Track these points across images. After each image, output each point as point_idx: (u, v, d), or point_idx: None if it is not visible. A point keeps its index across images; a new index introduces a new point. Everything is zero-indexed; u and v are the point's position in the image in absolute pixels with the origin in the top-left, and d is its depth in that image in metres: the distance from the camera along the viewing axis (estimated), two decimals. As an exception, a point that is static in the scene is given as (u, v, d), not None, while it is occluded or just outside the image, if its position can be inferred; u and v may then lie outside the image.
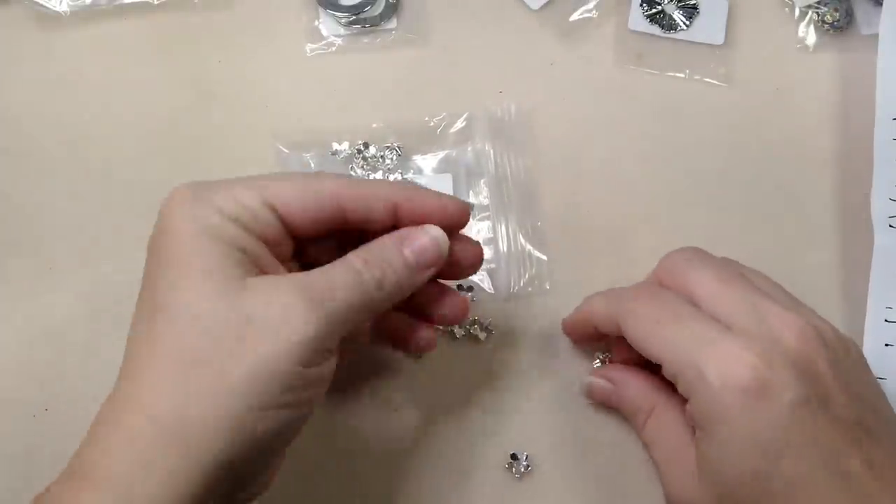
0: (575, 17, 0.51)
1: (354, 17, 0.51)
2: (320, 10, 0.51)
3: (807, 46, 0.51)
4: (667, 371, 0.36)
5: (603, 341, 0.45)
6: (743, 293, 0.37)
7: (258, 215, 0.34)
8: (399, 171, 0.49)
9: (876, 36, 0.47)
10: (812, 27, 0.51)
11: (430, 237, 0.36)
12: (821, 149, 0.50)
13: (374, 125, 0.49)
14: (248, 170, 0.49)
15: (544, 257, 0.48)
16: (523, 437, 0.45)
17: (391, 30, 0.51)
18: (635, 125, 0.50)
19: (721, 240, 0.48)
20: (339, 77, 0.51)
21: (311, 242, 0.37)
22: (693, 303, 0.37)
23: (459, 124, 0.50)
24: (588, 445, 0.45)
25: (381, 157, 0.49)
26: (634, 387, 0.42)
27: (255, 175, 0.36)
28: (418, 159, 0.49)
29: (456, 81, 0.51)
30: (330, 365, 0.34)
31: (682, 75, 0.51)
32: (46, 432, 0.46)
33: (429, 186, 0.48)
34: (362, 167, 0.49)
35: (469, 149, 0.49)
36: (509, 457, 0.45)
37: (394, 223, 0.37)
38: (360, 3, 0.51)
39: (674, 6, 0.51)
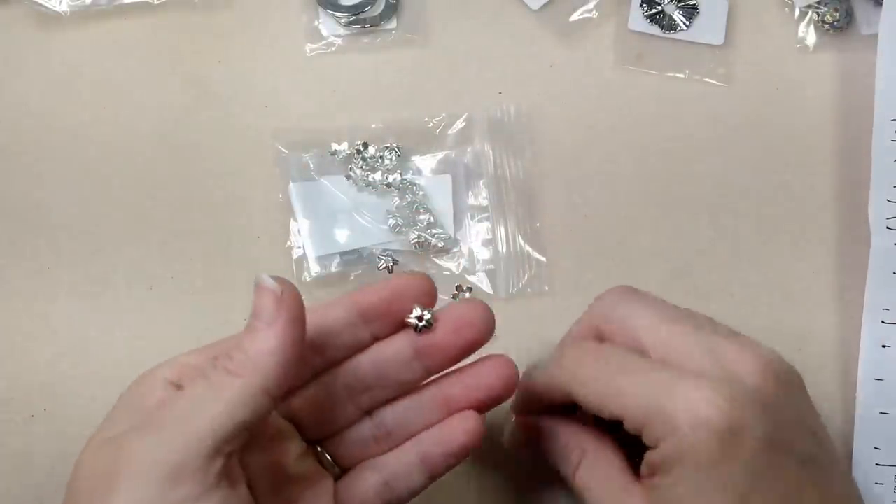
0: (575, 17, 0.51)
1: (354, 17, 0.51)
2: (320, 10, 0.51)
3: (807, 46, 0.51)
4: (630, 425, 0.34)
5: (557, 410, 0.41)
6: (694, 333, 0.35)
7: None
8: (398, 171, 0.49)
9: (876, 36, 0.47)
10: (812, 27, 0.51)
11: (260, 288, 0.34)
12: (820, 149, 0.50)
13: (374, 125, 0.49)
14: (248, 169, 0.49)
15: (543, 259, 0.48)
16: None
17: (391, 30, 0.51)
18: (635, 126, 0.50)
19: (719, 240, 0.48)
20: (338, 77, 0.51)
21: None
22: (640, 349, 0.36)
23: (459, 125, 0.50)
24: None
25: (381, 157, 0.49)
26: (564, 434, 0.39)
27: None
28: (417, 160, 0.50)
29: (456, 82, 0.51)
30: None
31: (681, 75, 0.50)
32: (45, 432, 0.46)
33: (428, 187, 0.49)
34: (361, 167, 0.49)
35: (468, 149, 0.49)
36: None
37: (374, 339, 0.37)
38: (360, 3, 0.51)
39: (674, 6, 0.51)
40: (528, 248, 0.48)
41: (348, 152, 0.49)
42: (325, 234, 0.48)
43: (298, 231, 0.48)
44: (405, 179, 0.49)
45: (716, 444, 0.32)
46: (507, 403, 0.39)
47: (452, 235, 0.49)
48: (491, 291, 0.48)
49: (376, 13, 0.51)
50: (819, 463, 0.34)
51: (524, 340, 0.47)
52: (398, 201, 0.49)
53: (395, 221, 0.48)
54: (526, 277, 0.48)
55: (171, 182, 0.49)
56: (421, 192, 0.49)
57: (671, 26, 0.50)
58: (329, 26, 0.51)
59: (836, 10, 0.50)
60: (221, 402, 0.31)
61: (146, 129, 0.50)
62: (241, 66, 0.51)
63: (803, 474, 0.33)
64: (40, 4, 0.51)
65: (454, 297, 0.48)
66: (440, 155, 0.50)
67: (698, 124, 0.50)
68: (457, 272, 0.48)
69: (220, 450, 0.31)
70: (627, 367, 0.35)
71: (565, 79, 0.51)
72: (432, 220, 0.48)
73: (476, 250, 0.49)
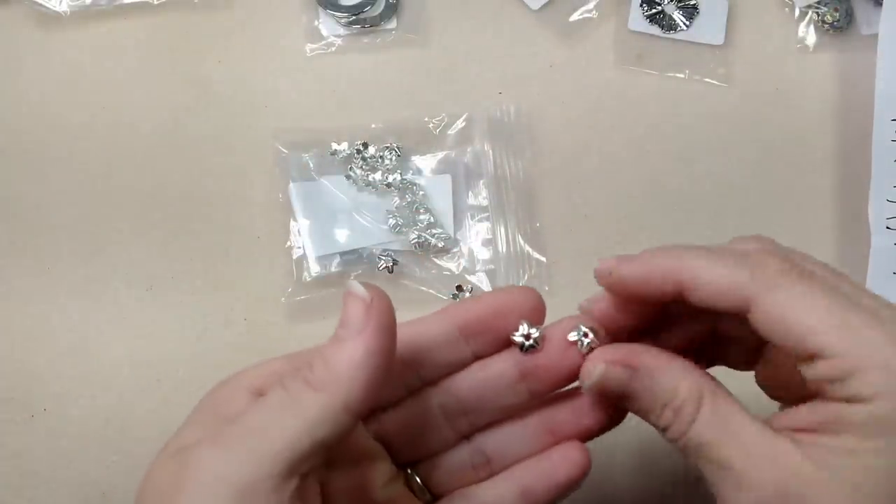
0: (575, 17, 0.51)
1: (354, 17, 0.51)
2: (320, 10, 0.51)
3: (807, 46, 0.51)
4: (827, 369, 0.28)
5: (652, 317, 0.34)
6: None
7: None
8: (398, 171, 0.49)
9: (876, 36, 0.47)
10: (812, 27, 0.51)
11: (348, 295, 0.30)
12: (820, 149, 0.50)
13: (374, 125, 0.49)
14: (248, 169, 0.49)
15: (543, 259, 0.48)
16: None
17: (391, 30, 0.51)
18: (635, 126, 0.50)
19: (719, 240, 0.48)
20: (338, 77, 0.51)
21: None
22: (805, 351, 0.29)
23: (459, 125, 0.50)
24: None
25: (381, 157, 0.49)
26: (677, 372, 0.31)
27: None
28: (417, 160, 0.50)
29: (455, 82, 0.51)
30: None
31: (681, 75, 0.50)
32: (45, 432, 0.46)
33: (428, 187, 0.49)
34: (361, 167, 0.49)
35: (468, 149, 0.49)
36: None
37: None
38: (360, 2, 0.51)
39: (674, 6, 0.51)
40: (527, 248, 0.48)
41: (348, 152, 0.49)
42: (325, 234, 0.48)
43: (298, 231, 0.48)
44: (405, 179, 0.49)
45: None
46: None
47: (452, 235, 0.49)
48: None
49: (376, 13, 0.51)
50: None
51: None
52: (398, 201, 0.49)
53: (395, 221, 0.48)
54: (526, 277, 0.48)
55: (171, 182, 0.49)
56: (421, 192, 0.49)
57: (671, 26, 0.50)
58: (329, 26, 0.51)
59: (836, 10, 0.50)
60: (298, 418, 0.28)
61: (146, 129, 0.50)
62: (242, 66, 0.51)
63: None
64: (40, 4, 0.51)
65: (454, 296, 0.48)
66: (440, 155, 0.50)
67: (698, 124, 0.50)
68: (457, 272, 0.48)
69: (295, 469, 0.28)
70: (846, 295, 0.29)
71: (565, 79, 0.51)
72: (432, 220, 0.48)
73: (476, 250, 0.49)
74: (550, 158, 0.49)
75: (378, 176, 0.49)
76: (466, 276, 0.48)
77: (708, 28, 0.51)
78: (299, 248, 0.48)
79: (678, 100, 0.50)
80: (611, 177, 0.49)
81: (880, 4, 0.48)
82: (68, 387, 0.46)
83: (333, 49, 0.51)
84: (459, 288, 0.48)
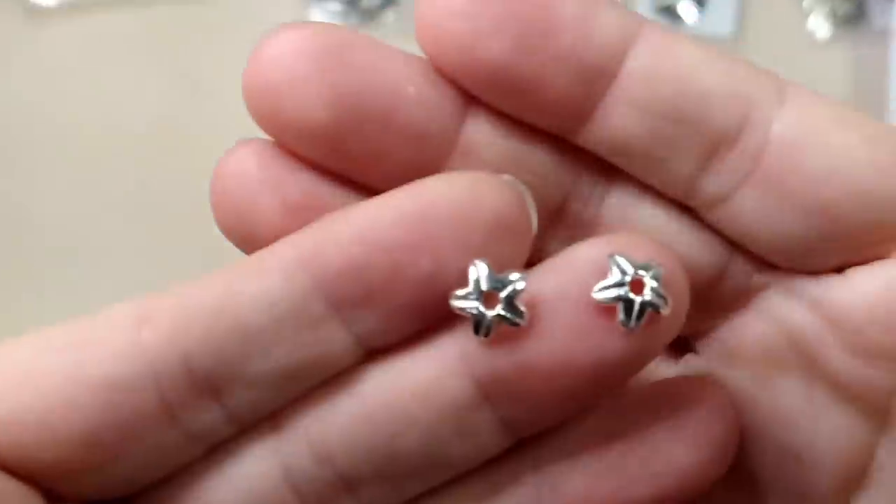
0: (579, 9, 0.50)
1: (348, 4, 0.50)
2: (312, 2, 0.50)
3: (818, 40, 0.50)
4: None
5: None
6: None
7: None
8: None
9: (888, 29, 0.47)
10: (823, 20, 0.50)
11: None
12: (831, 145, 0.49)
13: (373, 122, 0.49)
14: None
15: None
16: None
17: (388, 23, 0.50)
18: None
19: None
20: (336, 71, 0.50)
21: None
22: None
23: (460, 121, 0.49)
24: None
25: (380, 154, 0.48)
26: None
27: None
28: (418, 157, 0.49)
29: (456, 76, 0.50)
30: None
31: (689, 69, 0.50)
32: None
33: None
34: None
35: (470, 147, 0.49)
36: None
37: None
38: (357, -6, 0.50)
39: (681, -2, 0.50)
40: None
41: (346, 149, 0.48)
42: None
43: (296, 231, 0.47)
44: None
45: None
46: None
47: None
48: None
49: (373, 4, 0.50)
50: None
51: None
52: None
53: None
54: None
55: (166, 180, 0.48)
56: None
57: (680, 18, 0.50)
58: (322, 19, 0.50)
59: (848, 2, 0.50)
60: None
61: (139, 127, 0.49)
62: (234, 60, 0.50)
63: None
64: (27, -3, 0.50)
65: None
66: (441, 152, 0.49)
67: (706, 119, 0.49)
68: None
69: None
70: None
71: (570, 73, 0.50)
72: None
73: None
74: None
75: (378, 174, 0.48)
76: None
77: (718, 20, 0.50)
78: (296, 248, 0.47)
79: (685, 94, 0.50)
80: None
81: (893, -3, 0.47)
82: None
83: (330, 43, 0.50)
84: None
